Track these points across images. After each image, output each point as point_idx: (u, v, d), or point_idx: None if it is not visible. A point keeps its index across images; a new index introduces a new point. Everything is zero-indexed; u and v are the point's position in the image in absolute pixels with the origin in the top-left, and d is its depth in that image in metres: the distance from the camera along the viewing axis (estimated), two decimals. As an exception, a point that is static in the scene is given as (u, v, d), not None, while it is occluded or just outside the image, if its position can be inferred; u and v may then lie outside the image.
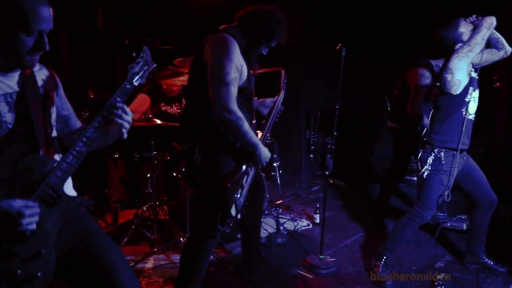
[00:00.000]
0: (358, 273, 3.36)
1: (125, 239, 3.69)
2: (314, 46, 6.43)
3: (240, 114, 2.35)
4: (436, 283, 3.03)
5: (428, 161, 2.98)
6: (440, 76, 2.91)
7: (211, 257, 2.99)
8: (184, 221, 3.77)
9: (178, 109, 4.64)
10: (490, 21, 2.80)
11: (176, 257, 3.50)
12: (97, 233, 1.77)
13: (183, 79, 3.96)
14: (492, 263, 3.33)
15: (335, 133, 3.43)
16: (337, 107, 3.43)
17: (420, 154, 3.08)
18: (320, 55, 6.43)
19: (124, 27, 5.86)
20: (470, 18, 2.95)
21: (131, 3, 6.00)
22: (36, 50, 1.53)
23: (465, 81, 2.86)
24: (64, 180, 1.58)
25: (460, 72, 2.82)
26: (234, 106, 2.33)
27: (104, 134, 1.72)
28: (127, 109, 1.66)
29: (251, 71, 2.56)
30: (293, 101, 6.36)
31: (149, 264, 3.48)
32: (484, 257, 3.34)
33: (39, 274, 1.51)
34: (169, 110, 4.61)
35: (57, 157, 1.72)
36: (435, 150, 2.96)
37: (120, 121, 1.64)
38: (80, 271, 1.71)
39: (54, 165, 1.56)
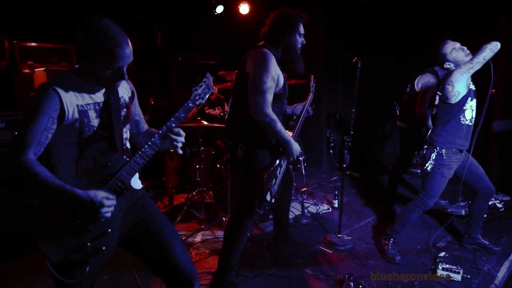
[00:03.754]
0: (371, 249, 3.31)
1: (179, 218, 3.76)
2: (333, 56, 6.29)
3: (273, 116, 2.31)
4: (438, 260, 2.94)
5: (432, 156, 2.91)
6: (442, 87, 2.84)
7: (248, 234, 3.01)
8: (226, 204, 3.80)
9: (221, 112, 4.68)
10: (495, 44, 2.68)
11: (220, 233, 3.54)
12: (156, 214, 1.79)
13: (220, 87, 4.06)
14: (487, 243, 3.21)
15: (352, 132, 3.38)
16: (353, 110, 3.38)
17: (424, 151, 3.00)
18: (339, 64, 6.29)
19: (178, 46, 5.95)
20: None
21: (184, 27, 6.08)
22: (116, 80, 1.58)
23: (463, 92, 2.77)
24: (132, 175, 1.62)
25: (460, 85, 2.74)
26: (269, 110, 2.29)
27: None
28: (182, 132, 1.70)
29: (288, 76, 2.50)
30: (315, 104, 6.27)
31: (198, 238, 3.53)
32: (481, 238, 3.22)
33: (103, 248, 1.55)
34: (212, 112, 4.66)
35: (127, 155, 1.78)
36: (437, 148, 2.89)
37: (175, 143, 1.69)
38: (141, 244, 1.75)
39: (125, 163, 1.61)
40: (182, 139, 1.71)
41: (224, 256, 2.56)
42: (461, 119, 2.85)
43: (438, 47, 2.95)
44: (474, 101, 2.90)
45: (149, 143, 1.63)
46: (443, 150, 2.87)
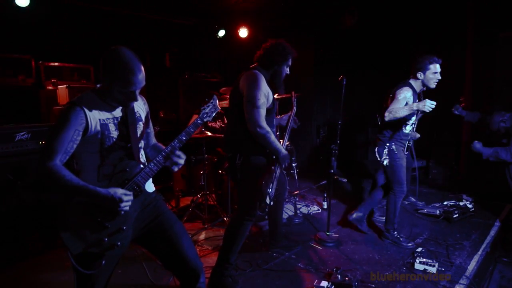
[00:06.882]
0: (356, 246, 3.32)
1: (185, 218, 3.77)
2: (322, 73, 6.33)
3: (268, 129, 2.35)
4: (415, 254, 2.96)
5: (385, 152, 3.14)
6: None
7: (247, 233, 3.01)
8: (227, 205, 3.81)
9: (221, 124, 4.72)
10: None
11: (221, 232, 3.53)
12: (167, 213, 1.82)
13: (225, 102, 4.05)
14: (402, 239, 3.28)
15: (338, 141, 3.42)
16: (339, 122, 3.42)
17: (376, 148, 3.23)
18: (327, 80, 6.31)
19: (184, 66, 6.00)
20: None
21: (189, 49, 6.15)
22: (129, 101, 1.63)
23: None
24: (146, 180, 1.66)
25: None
26: (264, 123, 2.33)
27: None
28: (182, 155, 1.73)
29: (277, 94, 2.54)
30: (306, 117, 6.33)
31: (202, 236, 3.53)
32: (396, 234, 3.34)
33: (119, 243, 1.58)
34: (214, 125, 4.70)
35: (142, 162, 1.80)
36: (387, 144, 3.12)
37: (175, 167, 1.73)
38: (154, 239, 1.77)
39: (141, 169, 1.64)
40: (182, 160, 1.73)
41: (224, 253, 2.55)
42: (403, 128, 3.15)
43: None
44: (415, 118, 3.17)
45: (163, 153, 1.68)
46: (393, 146, 3.10)
